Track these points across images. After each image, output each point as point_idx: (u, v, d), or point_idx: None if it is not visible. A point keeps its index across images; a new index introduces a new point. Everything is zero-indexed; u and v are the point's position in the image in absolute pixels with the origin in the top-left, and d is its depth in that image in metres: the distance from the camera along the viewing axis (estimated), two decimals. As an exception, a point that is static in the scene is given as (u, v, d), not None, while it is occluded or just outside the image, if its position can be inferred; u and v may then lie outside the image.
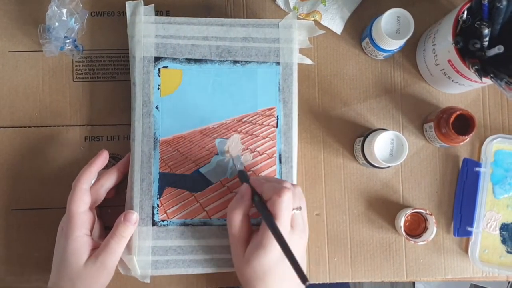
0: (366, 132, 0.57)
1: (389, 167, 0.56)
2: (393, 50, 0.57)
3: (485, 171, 0.59)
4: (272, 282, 0.48)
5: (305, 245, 0.50)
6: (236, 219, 0.49)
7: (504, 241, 0.60)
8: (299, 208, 0.49)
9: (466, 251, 0.59)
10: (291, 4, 0.60)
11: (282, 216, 0.46)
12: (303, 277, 0.40)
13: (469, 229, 0.59)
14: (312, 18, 0.60)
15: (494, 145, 0.60)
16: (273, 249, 0.46)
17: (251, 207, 0.50)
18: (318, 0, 0.60)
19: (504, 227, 0.60)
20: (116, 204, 0.58)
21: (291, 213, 0.47)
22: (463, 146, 0.60)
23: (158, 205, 0.55)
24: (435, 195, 0.60)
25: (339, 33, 0.60)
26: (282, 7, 0.60)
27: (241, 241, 0.49)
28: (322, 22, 0.60)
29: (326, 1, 0.60)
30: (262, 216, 0.47)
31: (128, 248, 0.54)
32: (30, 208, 0.58)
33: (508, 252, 0.60)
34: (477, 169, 0.59)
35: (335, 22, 0.60)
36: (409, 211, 0.57)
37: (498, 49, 0.48)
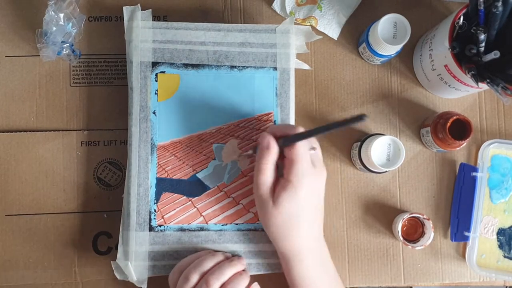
0: (363, 137, 0.57)
1: (386, 172, 0.56)
2: (390, 55, 0.57)
3: (482, 176, 0.59)
4: (304, 224, 0.49)
5: (325, 180, 0.51)
6: (268, 172, 0.48)
7: (501, 246, 0.60)
8: (314, 148, 0.50)
9: (464, 256, 0.59)
10: (288, 9, 0.60)
11: (305, 154, 0.47)
12: (357, 117, 0.39)
13: (466, 234, 0.59)
14: (308, 24, 0.60)
15: (491, 150, 0.60)
16: (302, 186, 0.47)
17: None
18: (314, 5, 0.60)
19: (501, 232, 0.60)
20: (112, 209, 0.57)
21: (310, 152, 0.49)
22: (460, 151, 0.60)
23: (155, 210, 0.55)
24: (432, 200, 0.60)
25: (336, 39, 0.61)
26: (279, 12, 0.61)
27: (271, 191, 0.48)
28: (318, 28, 0.60)
29: (322, 6, 0.60)
30: (291, 140, 0.47)
31: (125, 253, 0.54)
32: (25, 214, 0.57)
33: (505, 256, 0.60)
34: (474, 174, 0.60)
35: (331, 28, 0.60)
36: (406, 216, 0.57)
37: (494, 54, 0.48)
